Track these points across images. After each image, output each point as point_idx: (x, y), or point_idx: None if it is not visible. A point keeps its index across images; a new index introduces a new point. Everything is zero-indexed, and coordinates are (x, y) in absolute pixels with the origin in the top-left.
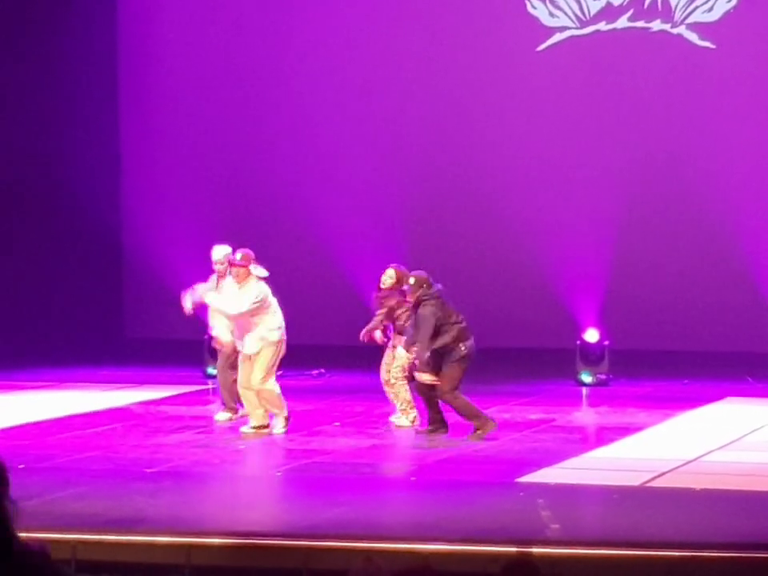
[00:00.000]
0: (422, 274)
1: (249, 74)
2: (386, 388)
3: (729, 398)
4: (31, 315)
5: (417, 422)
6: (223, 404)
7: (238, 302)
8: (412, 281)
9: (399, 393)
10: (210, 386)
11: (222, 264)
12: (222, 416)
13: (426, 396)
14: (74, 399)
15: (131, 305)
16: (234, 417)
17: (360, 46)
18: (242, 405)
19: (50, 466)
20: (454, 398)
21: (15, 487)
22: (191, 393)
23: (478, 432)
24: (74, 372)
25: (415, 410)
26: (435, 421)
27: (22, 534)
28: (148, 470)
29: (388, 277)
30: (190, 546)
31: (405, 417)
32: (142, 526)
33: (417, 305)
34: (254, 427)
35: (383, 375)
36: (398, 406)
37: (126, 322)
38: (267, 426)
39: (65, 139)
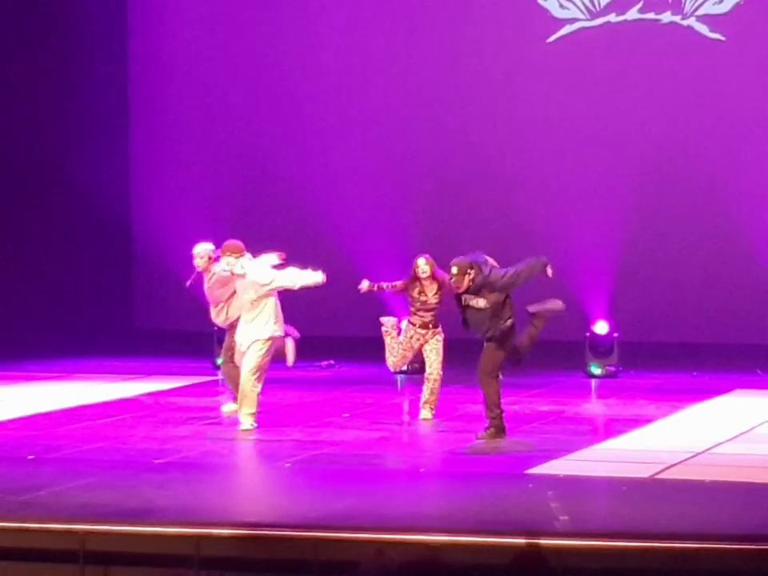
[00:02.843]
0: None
1: (257, 67)
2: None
3: (738, 390)
4: (40, 306)
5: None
6: (232, 396)
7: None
8: (455, 270)
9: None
10: (220, 378)
11: (201, 258)
12: (229, 407)
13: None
14: (83, 390)
15: (140, 296)
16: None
17: (368, 39)
18: None
19: (59, 456)
20: (491, 382)
21: (25, 478)
22: (200, 384)
23: (492, 431)
24: (83, 363)
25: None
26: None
27: (34, 525)
28: (157, 461)
29: (428, 266)
30: (199, 537)
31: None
32: (151, 517)
33: (468, 291)
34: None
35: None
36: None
37: (135, 312)
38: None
39: (74, 131)
